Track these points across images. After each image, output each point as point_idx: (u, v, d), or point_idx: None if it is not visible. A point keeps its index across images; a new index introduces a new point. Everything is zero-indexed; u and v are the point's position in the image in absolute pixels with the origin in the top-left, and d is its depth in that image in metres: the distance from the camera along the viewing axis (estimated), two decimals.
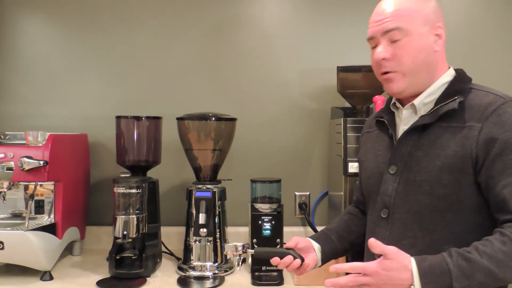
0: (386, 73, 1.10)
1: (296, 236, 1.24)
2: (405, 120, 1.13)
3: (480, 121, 1.00)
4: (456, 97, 1.04)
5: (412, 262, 0.94)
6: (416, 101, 1.10)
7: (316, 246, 1.24)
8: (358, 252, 1.27)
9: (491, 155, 0.97)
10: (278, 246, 1.66)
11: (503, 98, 1.01)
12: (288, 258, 1.17)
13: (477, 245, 0.93)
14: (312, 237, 1.27)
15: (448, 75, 1.10)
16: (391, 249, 0.96)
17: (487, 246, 0.92)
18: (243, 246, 1.25)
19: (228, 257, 1.76)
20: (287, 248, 1.19)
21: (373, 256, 1.03)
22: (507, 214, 0.95)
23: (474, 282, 0.90)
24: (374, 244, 0.98)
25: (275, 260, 1.17)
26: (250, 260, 1.68)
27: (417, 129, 1.08)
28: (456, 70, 1.12)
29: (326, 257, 1.25)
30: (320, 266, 1.25)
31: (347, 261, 1.55)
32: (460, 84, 1.08)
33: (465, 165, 1.00)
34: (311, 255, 1.22)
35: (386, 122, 1.18)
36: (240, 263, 1.29)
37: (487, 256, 0.91)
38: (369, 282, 0.95)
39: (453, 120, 1.03)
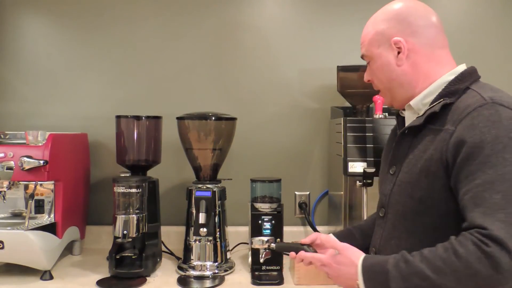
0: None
1: (316, 233, 1.27)
2: (407, 121, 1.13)
3: (455, 124, 0.96)
4: (442, 99, 1.02)
5: (360, 259, 1.00)
6: (412, 102, 1.09)
7: None
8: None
9: (459, 159, 0.93)
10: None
11: (485, 100, 0.95)
12: (302, 253, 1.20)
13: (423, 250, 0.92)
14: (334, 233, 1.30)
15: (451, 74, 1.06)
16: (341, 245, 1.07)
17: (431, 252, 0.90)
18: (268, 241, 1.47)
19: (228, 252, 1.77)
20: (302, 244, 1.24)
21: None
22: (465, 221, 0.90)
23: (411, 285, 0.90)
24: (325, 239, 1.15)
25: (291, 255, 1.23)
26: (250, 259, 1.68)
27: (413, 131, 1.07)
28: (466, 68, 1.08)
29: None
30: None
31: None
32: (456, 85, 1.03)
33: (438, 169, 0.97)
34: (329, 251, 1.23)
35: (396, 122, 1.20)
36: (264, 255, 1.54)
37: (426, 261, 0.89)
38: (327, 272, 1.08)
39: (438, 122, 1.01)
